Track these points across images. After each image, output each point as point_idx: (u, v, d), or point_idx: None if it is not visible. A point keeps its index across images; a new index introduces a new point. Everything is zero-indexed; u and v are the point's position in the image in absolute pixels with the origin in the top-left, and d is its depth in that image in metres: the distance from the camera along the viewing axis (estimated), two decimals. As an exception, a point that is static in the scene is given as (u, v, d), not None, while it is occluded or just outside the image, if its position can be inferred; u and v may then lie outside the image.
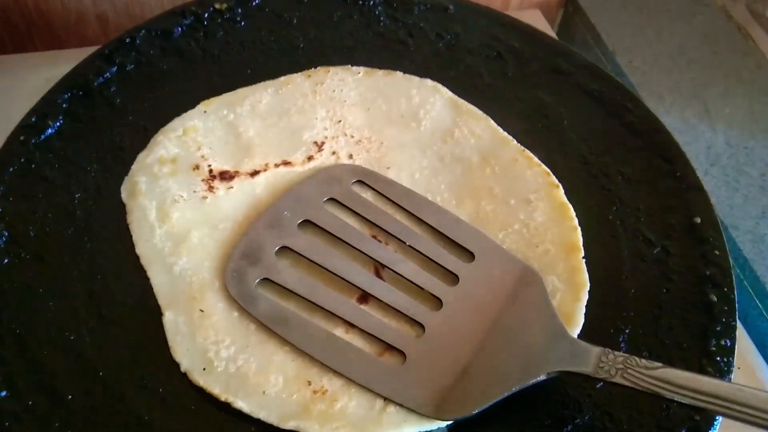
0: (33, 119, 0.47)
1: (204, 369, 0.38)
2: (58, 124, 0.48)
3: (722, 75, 0.74)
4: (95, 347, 0.39)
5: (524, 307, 0.41)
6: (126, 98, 0.50)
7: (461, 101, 0.53)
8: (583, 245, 0.46)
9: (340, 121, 0.51)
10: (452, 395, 0.37)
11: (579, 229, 0.46)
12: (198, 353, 0.39)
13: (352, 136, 0.50)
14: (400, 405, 0.38)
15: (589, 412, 0.39)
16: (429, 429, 0.38)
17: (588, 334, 0.42)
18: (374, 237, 0.45)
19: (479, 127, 0.52)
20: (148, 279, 0.42)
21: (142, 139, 0.48)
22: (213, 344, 0.39)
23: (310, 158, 0.48)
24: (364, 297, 0.42)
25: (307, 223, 0.45)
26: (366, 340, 0.41)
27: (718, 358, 0.42)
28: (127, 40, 0.53)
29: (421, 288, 0.42)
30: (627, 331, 0.43)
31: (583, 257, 0.45)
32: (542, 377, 0.37)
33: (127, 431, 0.36)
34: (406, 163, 0.49)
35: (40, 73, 0.55)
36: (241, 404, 0.37)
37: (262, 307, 0.40)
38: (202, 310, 0.40)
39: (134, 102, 0.50)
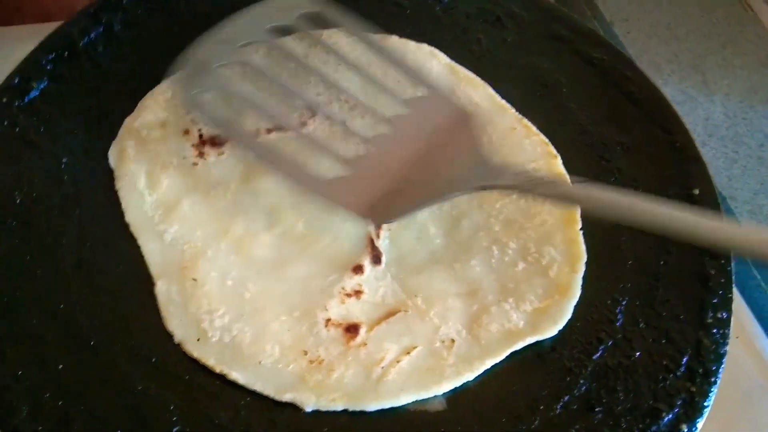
0: (16, 80, 0.46)
1: (198, 340, 0.38)
2: (42, 85, 0.46)
3: (721, 45, 0.74)
4: (86, 316, 0.38)
5: (457, 142, 0.43)
6: (113, 59, 0.49)
7: (459, 67, 0.52)
8: (581, 217, 0.45)
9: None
10: (384, 202, 0.41)
11: (577, 200, 0.46)
12: (191, 323, 0.38)
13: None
14: (339, 206, 0.42)
15: (585, 383, 0.39)
16: (425, 397, 0.38)
17: (585, 304, 0.42)
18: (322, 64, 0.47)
19: (477, 94, 0.51)
20: (138, 247, 0.41)
21: (129, 102, 0.46)
22: (206, 314, 0.39)
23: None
24: (311, 114, 0.46)
25: (256, 45, 0.47)
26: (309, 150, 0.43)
27: (715, 330, 0.42)
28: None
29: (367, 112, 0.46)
30: (624, 302, 0.43)
31: (580, 229, 0.45)
32: (470, 190, 0.41)
33: (120, 401, 0.35)
34: (402, 131, 0.48)
35: (29, 46, 0.53)
36: (236, 375, 0.37)
37: (208, 112, 0.43)
38: (194, 279, 0.40)
39: (121, 63, 0.49)
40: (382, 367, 0.38)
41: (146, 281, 0.40)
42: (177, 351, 0.37)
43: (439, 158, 0.43)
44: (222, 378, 0.37)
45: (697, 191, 0.47)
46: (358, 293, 0.41)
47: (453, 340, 0.40)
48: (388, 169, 0.43)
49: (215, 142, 0.45)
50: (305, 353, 0.38)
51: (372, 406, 0.37)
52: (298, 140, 0.44)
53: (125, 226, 0.41)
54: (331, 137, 0.45)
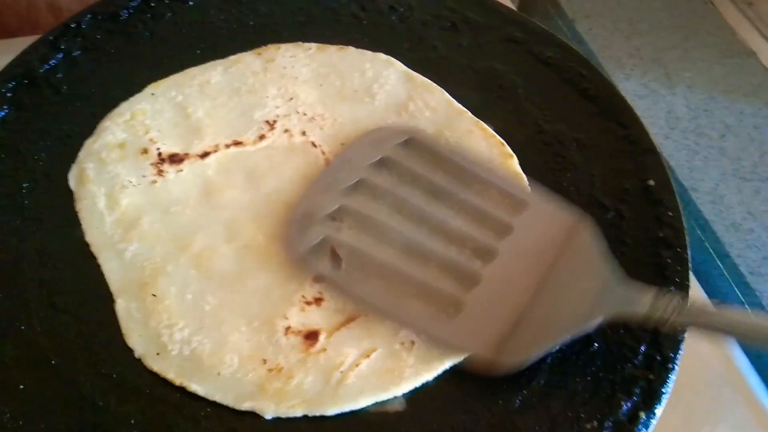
0: (-24, 109, 0.47)
1: (158, 354, 0.38)
2: (3, 113, 0.47)
3: (682, 39, 0.74)
4: (47, 336, 0.38)
5: (576, 256, 0.41)
6: (73, 84, 0.50)
7: (415, 74, 0.53)
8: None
9: (292, 98, 0.50)
10: (509, 343, 0.38)
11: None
12: (151, 338, 0.39)
13: (305, 114, 0.50)
14: (462, 351, 0.39)
15: (543, 376, 0.40)
16: (385, 399, 0.38)
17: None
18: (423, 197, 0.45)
19: (434, 100, 0.52)
20: (99, 266, 0.41)
21: (89, 125, 0.47)
22: (166, 328, 0.39)
23: (261, 137, 0.48)
24: (419, 253, 0.42)
25: (359, 185, 0.45)
26: (422, 296, 0.41)
27: (672, 318, 0.42)
28: (73, 25, 0.52)
29: (474, 240, 0.43)
30: (581, 295, 0.43)
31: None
32: (598, 321, 0.38)
33: (82, 418, 0.36)
34: (360, 139, 0.49)
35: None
36: (196, 387, 0.37)
37: (324, 267, 0.41)
38: (154, 295, 0.40)
39: (81, 88, 0.49)
40: (342, 372, 0.38)
41: (107, 299, 0.40)
42: (138, 366, 0.38)
43: (562, 281, 0.40)
44: (183, 390, 0.37)
45: (652, 182, 0.48)
46: (318, 300, 0.41)
47: (413, 342, 0.40)
48: (508, 302, 0.40)
49: (174, 159, 0.46)
50: (264, 362, 0.39)
51: (332, 411, 0.37)
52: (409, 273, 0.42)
53: (86, 246, 0.42)
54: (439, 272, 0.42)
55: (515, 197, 0.45)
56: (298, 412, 0.37)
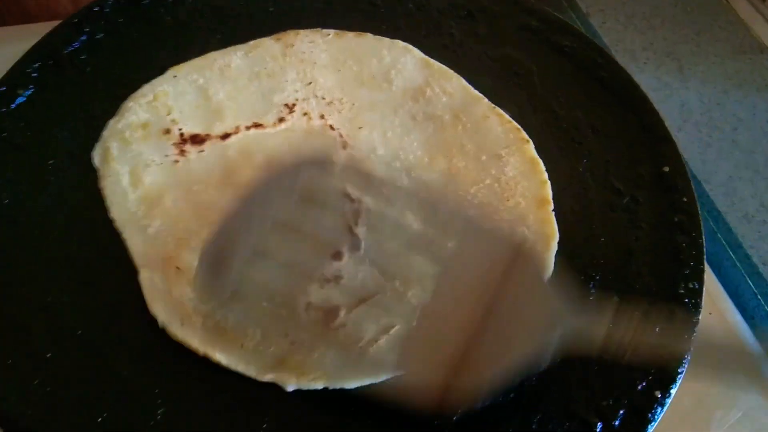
0: (3, 88, 0.47)
1: (182, 324, 0.39)
2: (28, 92, 0.48)
3: (695, 33, 0.75)
4: (72, 308, 0.39)
5: (519, 291, 0.36)
6: (96, 66, 0.50)
7: (432, 61, 0.54)
8: (554, 197, 0.47)
9: (310, 83, 0.51)
10: (455, 388, 0.35)
11: (549, 182, 0.47)
12: (175, 308, 0.39)
13: (323, 98, 0.50)
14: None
15: (562, 355, 0.40)
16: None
17: (560, 279, 0.43)
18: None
19: (450, 86, 0.52)
20: (122, 241, 0.42)
21: (112, 106, 0.48)
22: (190, 300, 0.40)
23: (281, 120, 0.49)
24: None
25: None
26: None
27: (687, 300, 0.43)
28: (96, 9, 0.53)
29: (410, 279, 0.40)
30: (597, 277, 0.44)
31: (552, 210, 0.46)
32: (546, 363, 0.35)
33: (106, 387, 0.37)
34: (378, 123, 0.50)
35: (11, 47, 0.54)
36: (219, 357, 0.38)
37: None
38: (178, 268, 0.41)
39: (104, 70, 0.50)
40: (361, 347, 0.39)
41: (131, 273, 0.41)
42: (161, 337, 0.39)
43: (510, 315, 0.36)
44: (205, 363, 0.38)
45: (667, 169, 0.48)
46: (337, 279, 0.42)
47: None
48: (453, 340, 0.35)
49: (196, 140, 0.47)
50: (286, 335, 0.39)
51: (352, 384, 0.38)
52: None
53: (109, 223, 0.43)
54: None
55: (452, 220, 0.40)
56: (319, 385, 0.38)
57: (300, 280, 0.42)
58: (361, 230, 0.44)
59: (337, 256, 0.43)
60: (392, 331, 0.40)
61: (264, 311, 0.40)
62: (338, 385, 0.38)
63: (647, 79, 0.70)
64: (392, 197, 0.44)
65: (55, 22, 0.53)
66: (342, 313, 0.40)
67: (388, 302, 0.41)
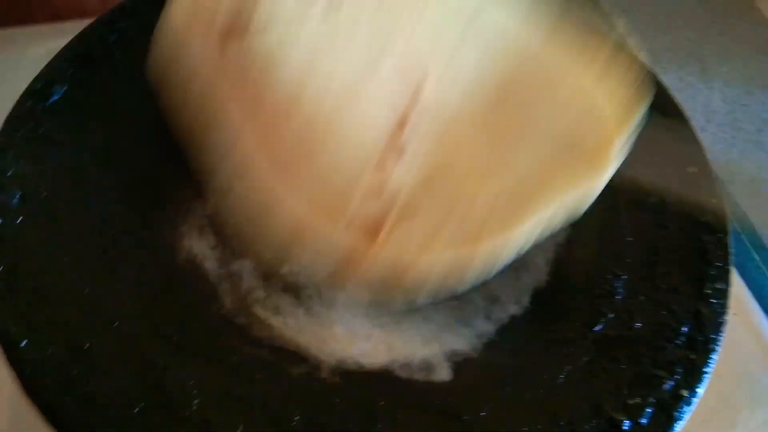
0: (39, 86, 0.48)
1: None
2: (63, 89, 0.49)
3: (719, 33, 0.75)
4: (109, 300, 0.40)
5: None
6: (129, 64, 0.51)
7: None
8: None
9: None
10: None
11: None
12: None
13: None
14: None
15: (588, 353, 0.41)
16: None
17: (586, 280, 0.44)
18: None
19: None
20: (156, 235, 0.43)
21: (145, 102, 0.49)
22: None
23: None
24: None
25: None
26: None
27: (713, 301, 0.43)
28: (129, 6, 0.54)
29: None
30: (624, 277, 0.44)
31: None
32: None
33: (143, 377, 0.37)
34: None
35: (41, 45, 0.56)
36: None
37: None
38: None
39: (138, 67, 0.51)
40: (405, 264, 0.39)
41: (167, 266, 0.42)
42: (196, 330, 0.39)
43: None
44: (239, 353, 0.39)
45: (693, 169, 0.49)
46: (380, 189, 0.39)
47: None
48: None
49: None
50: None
51: (396, 302, 0.39)
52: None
53: (144, 217, 0.44)
54: None
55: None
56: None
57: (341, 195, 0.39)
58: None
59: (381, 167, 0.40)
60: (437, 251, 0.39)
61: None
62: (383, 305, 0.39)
63: (670, 80, 0.69)
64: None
65: (85, 21, 0.54)
66: (384, 230, 0.39)
67: (434, 220, 0.39)
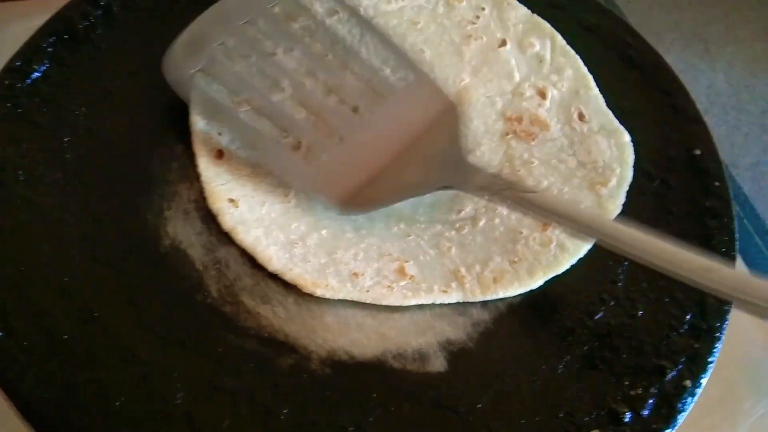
0: (18, 63, 0.46)
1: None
2: (44, 68, 0.47)
3: (723, 14, 0.73)
4: (90, 289, 0.38)
5: (437, 134, 0.44)
6: (113, 41, 0.49)
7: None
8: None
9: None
10: (359, 195, 0.42)
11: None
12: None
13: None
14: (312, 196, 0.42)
15: (588, 342, 0.39)
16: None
17: (586, 266, 0.42)
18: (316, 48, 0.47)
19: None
20: (139, 220, 0.41)
21: (129, 82, 0.47)
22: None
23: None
24: (295, 99, 0.45)
25: (251, 24, 0.47)
26: (288, 136, 0.44)
27: (718, 288, 0.41)
28: (112, -18, 0.52)
29: (348, 100, 0.45)
30: (625, 263, 0.42)
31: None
32: (435, 189, 0.42)
33: (125, 370, 0.36)
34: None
35: (26, 22, 0.53)
36: None
37: (194, 94, 0.44)
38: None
39: (121, 45, 0.49)
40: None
41: (149, 253, 0.40)
42: (180, 320, 0.38)
43: (418, 152, 0.44)
44: (225, 344, 0.37)
45: (698, 152, 0.47)
46: None
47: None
48: (367, 160, 0.43)
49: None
50: None
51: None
52: (278, 115, 0.45)
53: (127, 201, 0.42)
54: (311, 123, 0.45)
55: (400, 69, 0.47)
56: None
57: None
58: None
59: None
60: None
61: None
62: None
63: (673, 61, 0.67)
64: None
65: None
66: None
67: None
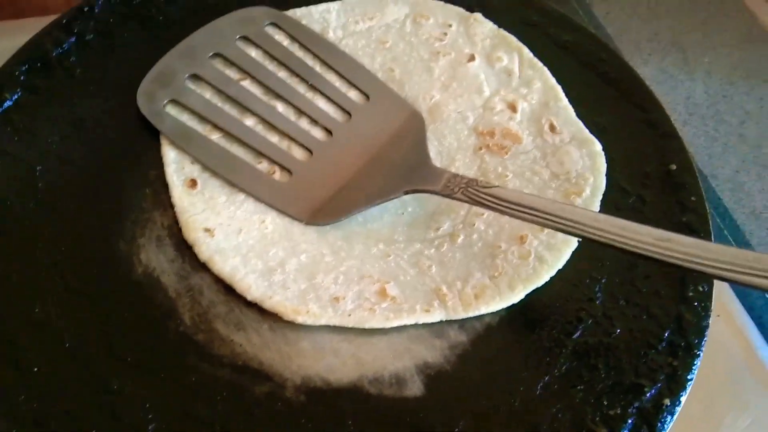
0: (-11, 92, 0.46)
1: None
2: (15, 96, 0.46)
3: (701, 23, 0.73)
4: (61, 318, 0.38)
5: (402, 143, 0.46)
6: (86, 68, 0.49)
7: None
8: (558, 198, 0.45)
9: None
10: (325, 207, 0.44)
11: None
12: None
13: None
14: (281, 211, 0.44)
15: (566, 362, 0.39)
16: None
17: (564, 285, 0.42)
18: (280, 75, 0.49)
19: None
20: (112, 248, 0.41)
21: (102, 109, 0.47)
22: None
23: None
24: (264, 122, 0.47)
25: (218, 56, 0.49)
26: (258, 157, 0.46)
27: (696, 303, 0.41)
28: (86, 9, 0.51)
29: (315, 120, 0.47)
30: (603, 280, 0.42)
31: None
32: (399, 194, 0.43)
33: (96, 401, 0.36)
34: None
35: (3, 43, 0.53)
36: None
37: (168, 124, 0.46)
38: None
39: (94, 72, 0.49)
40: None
41: (122, 281, 0.40)
42: (153, 348, 0.37)
43: (383, 160, 0.45)
44: (199, 374, 0.37)
45: (674, 166, 0.47)
46: None
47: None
48: (334, 174, 0.45)
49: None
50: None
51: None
52: (247, 137, 0.46)
53: (100, 228, 0.42)
54: (279, 141, 0.47)
55: (362, 87, 0.49)
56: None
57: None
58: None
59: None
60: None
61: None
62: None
63: (652, 71, 0.68)
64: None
65: (47, 17, 0.52)
66: None
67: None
